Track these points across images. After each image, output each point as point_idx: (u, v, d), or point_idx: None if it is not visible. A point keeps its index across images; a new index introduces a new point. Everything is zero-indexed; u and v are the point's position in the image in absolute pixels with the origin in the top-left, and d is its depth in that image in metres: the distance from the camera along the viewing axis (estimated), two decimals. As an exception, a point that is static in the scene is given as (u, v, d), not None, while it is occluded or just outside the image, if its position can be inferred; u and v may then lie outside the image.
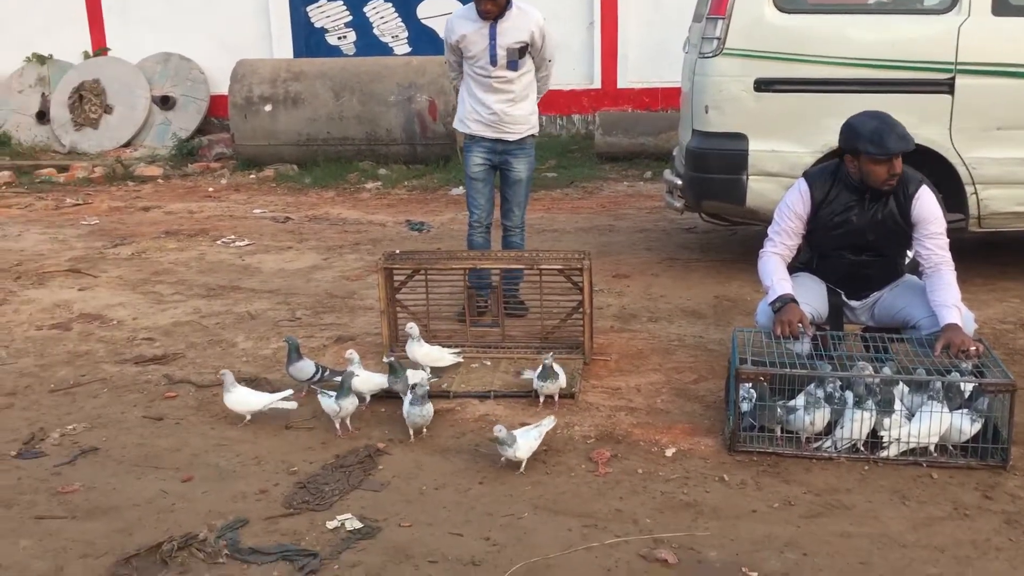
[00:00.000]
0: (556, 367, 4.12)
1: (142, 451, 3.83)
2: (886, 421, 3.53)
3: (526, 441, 3.53)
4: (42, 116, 12.23)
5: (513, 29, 5.06)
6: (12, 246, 7.49)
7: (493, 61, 5.09)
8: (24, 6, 12.43)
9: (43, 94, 12.32)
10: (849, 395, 3.63)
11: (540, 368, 4.09)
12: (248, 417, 4.03)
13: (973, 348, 3.63)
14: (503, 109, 5.17)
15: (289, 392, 4.15)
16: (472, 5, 5.10)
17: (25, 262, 6.95)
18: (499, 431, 3.49)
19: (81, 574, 2.95)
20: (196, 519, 3.25)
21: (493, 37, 5.04)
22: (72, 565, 3.01)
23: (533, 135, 5.33)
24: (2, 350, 5.05)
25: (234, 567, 2.97)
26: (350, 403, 3.88)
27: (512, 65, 5.11)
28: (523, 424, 3.94)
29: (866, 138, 3.85)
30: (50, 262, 6.94)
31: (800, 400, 3.63)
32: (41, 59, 12.43)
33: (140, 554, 3.03)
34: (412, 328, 4.44)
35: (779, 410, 3.62)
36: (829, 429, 3.64)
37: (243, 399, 4.03)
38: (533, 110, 5.31)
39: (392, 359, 4.17)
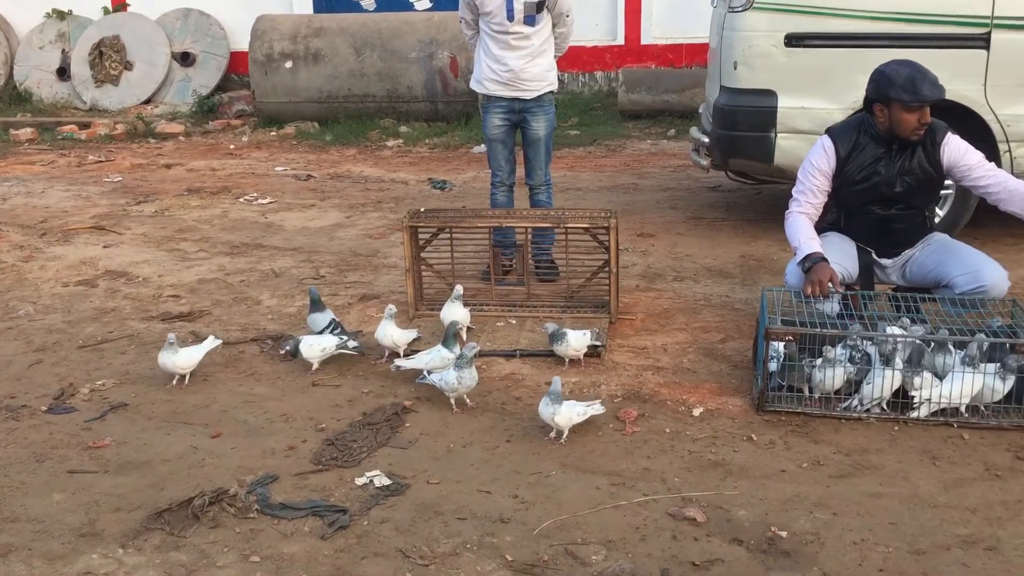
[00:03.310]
0: (564, 329, 4.09)
1: (171, 407, 3.86)
2: (916, 381, 3.50)
3: (569, 410, 3.43)
4: (63, 72, 12.21)
5: None
6: (37, 203, 7.52)
7: (510, 16, 4.99)
8: (44, -39, 12.37)
9: (63, 50, 12.28)
10: (875, 353, 3.60)
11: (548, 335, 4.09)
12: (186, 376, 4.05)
13: None
14: (520, 66, 5.08)
15: (213, 337, 4.20)
16: None
17: (50, 219, 6.98)
18: (556, 383, 3.41)
19: (113, 527, 2.98)
20: (226, 474, 3.28)
21: None
22: (104, 519, 3.04)
23: (552, 92, 5.25)
24: (30, 306, 5.09)
25: (265, 522, 3.00)
26: (470, 378, 3.70)
27: (529, 20, 5.02)
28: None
29: (899, 85, 3.80)
30: (75, 219, 6.97)
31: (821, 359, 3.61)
32: (61, 14, 12.38)
33: (171, 508, 3.05)
34: (458, 289, 4.42)
35: (806, 369, 3.60)
36: (854, 388, 3.61)
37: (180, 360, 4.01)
38: (551, 66, 5.22)
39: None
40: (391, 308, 4.22)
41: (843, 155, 3.99)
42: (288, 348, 4.13)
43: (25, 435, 3.63)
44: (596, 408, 3.53)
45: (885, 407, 3.55)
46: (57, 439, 3.60)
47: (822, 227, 4.18)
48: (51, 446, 3.54)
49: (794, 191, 4.15)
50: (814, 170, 4.05)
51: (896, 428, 3.50)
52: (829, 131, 4.12)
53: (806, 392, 3.64)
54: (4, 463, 3.41)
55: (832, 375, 3.56)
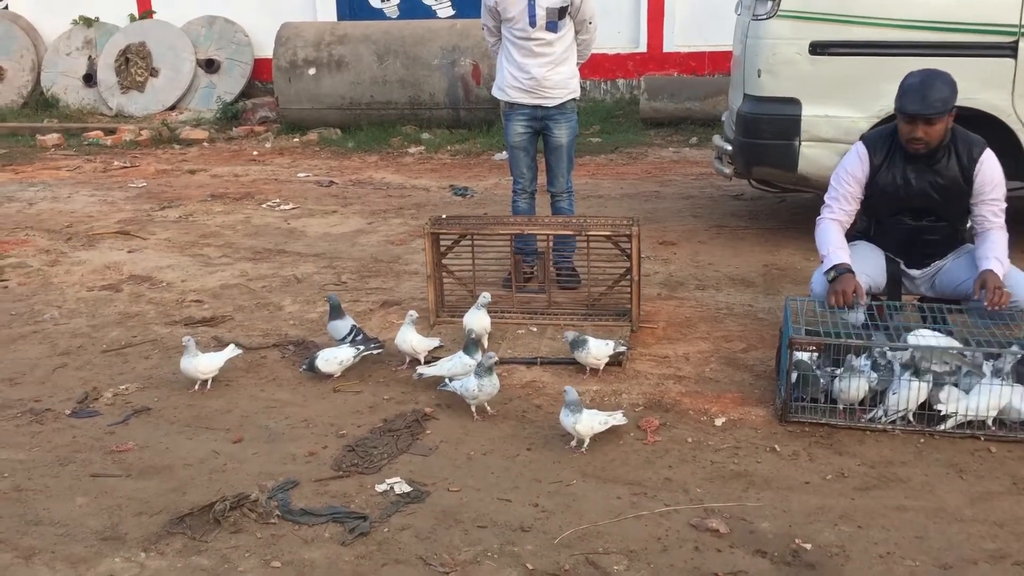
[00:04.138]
0: (584, 336, 4.06)
1: (193, 412, 3.87)
2: (943, 395, 3.46)
3: (590, 419, 3.41)
4: (89, 79, 12.34)
5: None
6: (63, 208, 7.59)
7: (532, 22, 4.99)
8: (71, -31, 12.52)
9: (90, 57, 12.42)
10: (897, 364, 3.57)
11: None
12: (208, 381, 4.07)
13: (1001, 297, 3.63)
14: (542, 74, 5.07)
15: (234, 346, 4.22)
16: None
17: (75, 224, 7.05)
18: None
19: (136, 531, 2.99)
20: (247, 480, 3.29)
21: None
22: (127, 522, 3.05)
23: (574, 99, 5.24)
24: (55, 310, 5.13)
25: (285, 527, 3.00)
26: (491, 385, 3.68)
27: (552, 26, 5.01)
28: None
29: (899, 94, 3.82)
30: (99, 224, 7.03)
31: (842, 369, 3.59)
32: (88, 22, 12.51)
33: (193, 513, 3.06)
34: (484, 296, 4.42)
35: (822, 380, 3.57)
36: (879, 399, 3.57)
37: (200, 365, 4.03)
38: (573, 74, 5.21)
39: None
40: (412, 314, 4.22)
41: (876, 163, 3.95)
42: (304, 367, 4.15)
43: (49, 439, 3.66)
44: (618, 419, 3.50)
45: (911, 419, 3.51)
46: (80, 443, 3.62)
47: (852, 235, 4.13)
48: (74, 450, 3.56)
49: (827, 197, 4.11)
50: (848, 176, 4.01)
51: (922, 440, 3.46)
52: (863, 138, 4.08)
53: (821, 402, 3.60)
54: (28, 466, 3.43)
55: (855, 385, 3.52)
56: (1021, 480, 3.19)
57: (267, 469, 3.37)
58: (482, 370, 3.68)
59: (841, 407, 3.58)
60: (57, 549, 2.91)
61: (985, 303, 3.66)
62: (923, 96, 3.74)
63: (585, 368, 4.10)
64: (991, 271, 3.74)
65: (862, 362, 3.58)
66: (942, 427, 3.47)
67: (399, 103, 10.40)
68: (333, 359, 4.10)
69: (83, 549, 2.91)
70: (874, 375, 3.57)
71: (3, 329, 4.86)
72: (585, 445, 3.43)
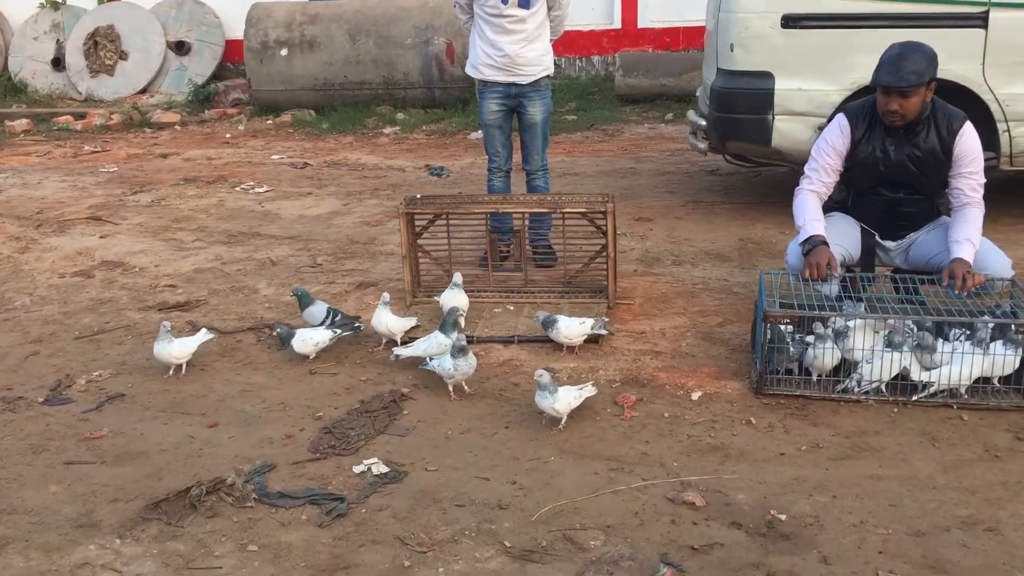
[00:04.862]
0: (554, 316, 4.06)
1: (168, 397, 3.85)
2: (925, 359, 3.48)
3: (566, 395, 3.41)
4: (58, 63, 12.16)
5: None
6: (32, 194, 7.49)
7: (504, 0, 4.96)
8: (36, -50, 12.30)
9: (58, 40, 12.23)
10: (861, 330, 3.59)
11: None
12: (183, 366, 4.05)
13: (970, 282, 3.63)
14: (515, 51, 5.04)
15: (206, 331, 4.20)
16: None
17: (46, 210, 6.96)
18: (540, 376, 3.38)
19: (111, 518, 2.97)
20: (223, 464, 3.27)
21: None
22: (102, 509, 3.03)
23: (548, 76, 5.21)
24: (26, 297, 5.07)
25: (262, 511, 2.98)
26: (467, 364, 3.68)
27: (524, 3, 4.97)
28: (547, 369, 3.93)
29: (877, 65, 3.82)
30: (70, 210, 6.94)
31: (811, 338, 3.61)
32: (55, 5, 12.31)
33: (169, 498, 3.04)
34: (457, 277, 4.41)
35: (792, 349, 3.59)
36: (840, 369, 3.60)
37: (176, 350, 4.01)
38: (547, 50, 5.18)
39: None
40: (385, 296, 4.20)
41: (857, 135, 3.95)
42: (280, 333, 4.12)
43: (22, 427, 3.62)
44: (588, 390, 3.53)
45: (884, 390, 3.54)
46: (54, 430, 3.58)
47: (829, 206, 4.12)
48: (48, 437, 3.53)
49: (806, 168, 4.10)
50: (828, 148, 4.01)
51: (895, 410, 3.49)
52: (845, 109, 4.05)
53: (796, 373, 3.63)
54: (1, 455, 3.40)
55: (826, 354, 3.54)
56: (993, 447, 3.23)
57: (243, 453, 3.36)
58: (455, 350, 3.67)
59: (815, 378, 3.61)
60: (31, 537, 2.88)
61: (955, 292, 3.67)
62: (897, 68, 3.74)
63: (562, 346, 4.10)
64: (959, 260, 3.71)
65: (829, 331, 3.60)
66: (916, 397, 3.49)
67: (373, 83, 10.32)
68: (309, 340, 4.08)
69: (57, 537, 2.88)
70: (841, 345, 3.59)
71: (-27, 318, 4.81)
72: (563, 422, 3.43)
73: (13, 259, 5.78)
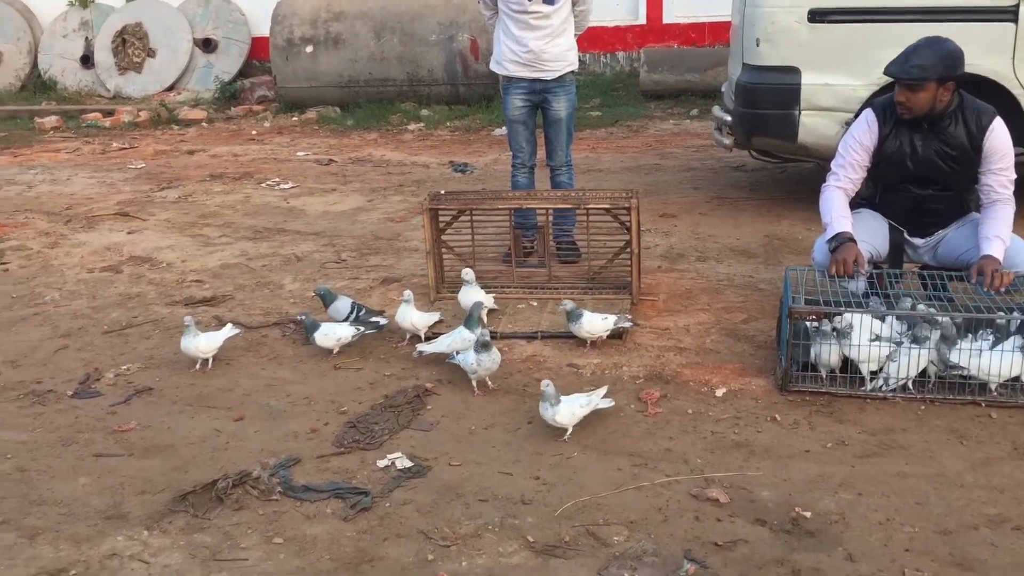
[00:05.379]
0: (580, 310, 4.04)
1: (194, 391, 3.88)
2: (953, 355, 3.45)
3: (568, 407, 3.32)
4: (86, 60, 12.29)
5: None
6: (62, 190, 7.58)
7: None
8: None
9: (87, 38, 12.36)
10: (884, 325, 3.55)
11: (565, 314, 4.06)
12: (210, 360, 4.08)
13: (999, 279, 3.59)
14: (540, 47, 5.03)
15: (231, 326, 4.23)
16: None
17: (75, 206, 7.04)
18: (546, 386, 3.31)
19: (139, 510, 3.01)
20: (249, 457, 3.30)
21: None
22: (130, 501, 3.07)
23: (573, 72, 5.20)
24: (55, 292, 5.13)
25: (287, 504, 3.01)
26: (490, 360, 3.67)
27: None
28: (570, 365, 3.94)
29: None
30: (99, 205, 7.02)
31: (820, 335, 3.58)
32: (84, 3, 12.45)
33: (196, 491, 3.08)
34: (467, 273, 4.41)
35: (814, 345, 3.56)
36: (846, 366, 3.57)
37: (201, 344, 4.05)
38: (571, 46, 5.17)
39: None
40: (408, 293, 4.21)
41: (885, 131, 3.91)
42: (305, 321, 4.14)
43: (52, 419, 3.67)
44: (600, 401, 3.41)
45: (910, 386, 3.50)
46: (83, 423, 3.63)
47: (856, 202, 4.08)
48: (77, 430, 3.57)
49: (833, 164, 4.07)
50: (856, 144, 3.97)
51: (922, 407, 3.46)
52: (872, 104, 4.02)
53: (819, 370, 3.60)
54: (31, 447, 3.45)
55: (828, 350, 3.52)
56: (1022, 445, 3.19)
57: (269, 446, 3.38)
58: (478, 345, 3.67)
59: (823, 374, 3.57)
60: (61, 528, 2.92)
61: (984, 288, 3.63)
62: (905, 60, 3.74)
63: (585, 341, 4.10)
64: (989, 256, 3.67)
65: (824, 327, 3.57)
66: (943, 396, 3.46)
67: (397, 80, 10.35)
68: (332, 334, 4.10)
69: (86, 528, 2.92)
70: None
71: (4, 311, 4.87)
72: (568, 434, 3.35)
73: (43, 254, 5.85)
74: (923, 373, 3.51)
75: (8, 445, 3.46)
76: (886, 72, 3.81)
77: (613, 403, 3.48)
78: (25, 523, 2.96)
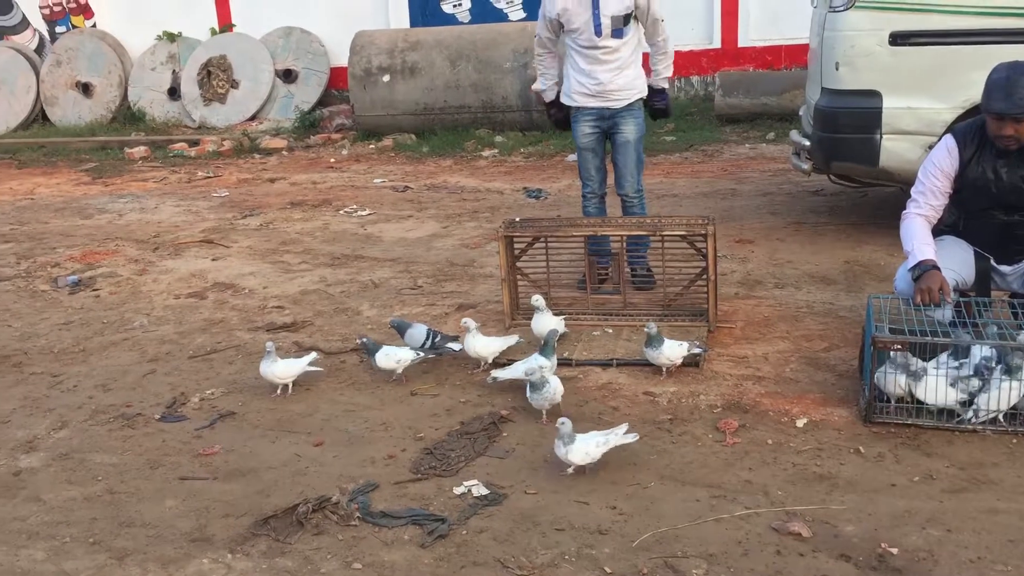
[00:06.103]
0: (661, 336, 4.00)
1: (275, 416, 3.96)
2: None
3: (583, 446, 3.23)
4: (173, 92, 12.74)
5: None
6: (150, 218, 7.85)
7: (598, 32, 4.95)
8: (154, -14, 12.96)
9: (174, 71, 12.82)
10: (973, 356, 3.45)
11: (645, 337, 4.02)
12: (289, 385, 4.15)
13: None
14: (609, 78, 5.04)
15: (313, 355, 4.29)
16: None
17: (162, 233, 7.28)
18: (562, 423, 3.24)
19: (223, 533, 3.08)
20: (328, 482, 3.35)
21: (596, 6, 4.90)
22: (214, 524, 3.14)
23: (642, 98, 5.19)
24: (144, 318, 5.30)
25: (366, 529, 3.04)
26: (540, 398, 3.67)
27: (617, 33, 4.97)
28: (646, 393, 3.91)
29: (985, 89, 3.68)
30: (185, 233, 7.24)
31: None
32: (171, 37, 12.92)
33: (277, 515, 3.13)
34: (537, 300, 4.42)
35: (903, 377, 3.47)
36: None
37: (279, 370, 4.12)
38: (639, 74, 5.15)
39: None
40: (470, 323, 4.22)
41: (966, 157, 3.82)
42: (366, 343, 4.20)
43: (140, 442, 3.78)
44: (620, 436, 3.32)
45: (1002, 420, 3.39)
46: (169, 446, 3.74)
47: (940, 229, 3.99)
48: (164, 453, 3.68)
49: (913, 191, 3.99)
50: (935, 170, 3.89)
51: (1014, 441, 3.34)
52: (953, 130, 3.94)
53: (907, 402, 3.51)
54: (120, 469, 3.56)
55: (892, 380, 3.44)
56: (1122, 483, 3.06)
57: (347, 472, 3.43)
58: (531, 387, 3.68)
59: (891, 404, 3.48)
60: (148, 550, 3.01)
61: None
62: (1008, 94, 3.61)
63: (661, 369, 4.07)
64: None
65: (900, 358, 3.47)
66: (1036, 427, 3.34)
67: (472, 107, 10.47)
68: (392, 355, 4.15)
69: (173, 550, 3.00)
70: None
71: (96, 336, 5.05)
72: (586, 470, 3.29)
73: (132, 281, 6.06)
74: (1015, 406, 3.39)
75: (99, 467, 3.58)
76: (989, 111, 3.67)
77: (638, 436, 3.38)
78: (115, 544, 3.05)
